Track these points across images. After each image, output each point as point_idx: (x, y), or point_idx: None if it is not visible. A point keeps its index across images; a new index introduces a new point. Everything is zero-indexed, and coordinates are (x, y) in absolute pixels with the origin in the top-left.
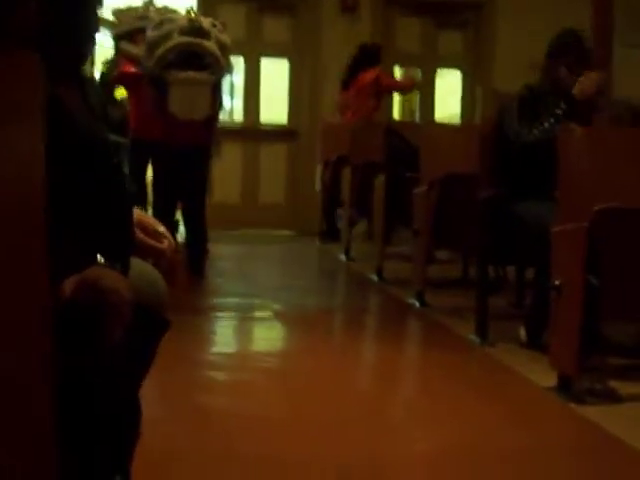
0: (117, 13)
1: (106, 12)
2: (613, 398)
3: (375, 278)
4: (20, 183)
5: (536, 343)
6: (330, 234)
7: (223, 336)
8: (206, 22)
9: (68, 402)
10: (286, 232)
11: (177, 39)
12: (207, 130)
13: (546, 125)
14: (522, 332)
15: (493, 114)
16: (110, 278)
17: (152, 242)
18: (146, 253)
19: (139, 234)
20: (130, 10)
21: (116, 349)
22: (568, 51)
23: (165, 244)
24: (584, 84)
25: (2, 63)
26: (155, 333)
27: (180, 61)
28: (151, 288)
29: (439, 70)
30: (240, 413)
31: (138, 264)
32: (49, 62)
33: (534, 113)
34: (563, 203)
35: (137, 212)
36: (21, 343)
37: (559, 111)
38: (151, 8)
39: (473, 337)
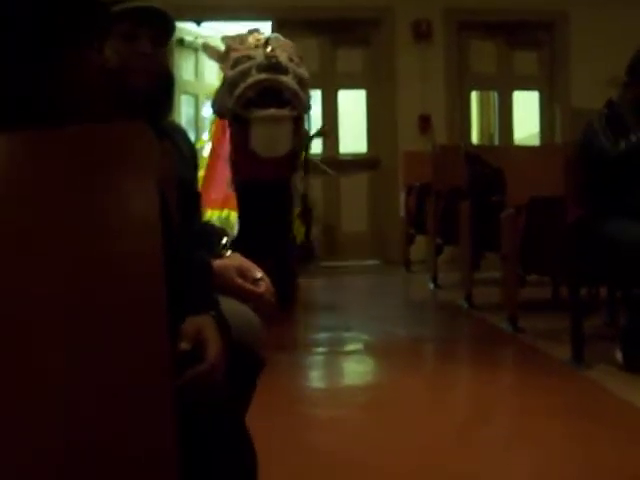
0: (227, 40)
1: (214, 40)
2: None
3: (465, 305)
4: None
5: (634, 364)
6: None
7: (316, 371)
8: (283, 57)
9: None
10: (371, 262)
11: (255, 76)
12: (290, 165)
13: (632, 138)
14: (618, 354)
15: (576, 134)
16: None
17: (250, 287)
18: (245, 297)
19: (238, 279)
20: (239, 38)
21: (218, 388)
22: None
23: (262, 288)
24: None
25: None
26: (253, 371)
27: (260, 98)
28: (249, 330)
29: (516, 91)
30: (338, 449)
31: (237, 307)
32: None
33: (619, 128)
34: None
35: (237, 257)
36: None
37: None
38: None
39: (569, 360)
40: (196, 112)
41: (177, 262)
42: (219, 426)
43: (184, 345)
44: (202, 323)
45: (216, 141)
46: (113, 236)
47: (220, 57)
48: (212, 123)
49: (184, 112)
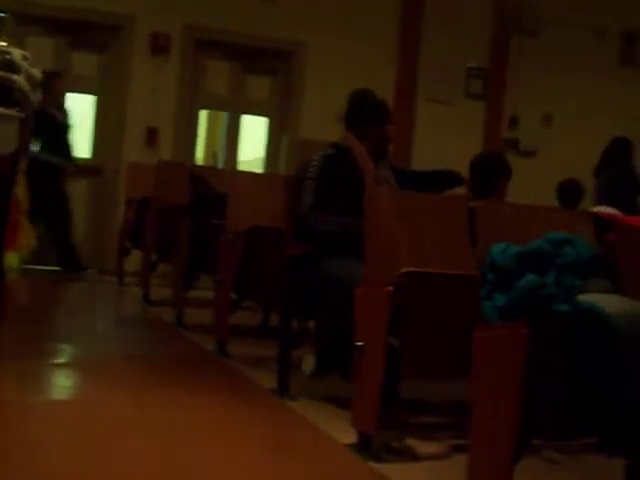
0: None
1: None
2: (411, 456)
3: (175, 324)
4: None
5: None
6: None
7: (17, 384)
8: (17, 54)
9: None
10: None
11: None
12: (11, 164)
13: (334, 223)
14: (309, 360)
15: (295, 169)
16: None
17: None
18: None
19: None
20: None
21: None
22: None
23: None
24: None
25: None
26: None
27: None
28: None
29: (245, 115)
30: (34, 465)
31: None
32: None
33: (333, 187)
34: (370, 264)
35: None
36: None
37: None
38: None
39: (275, 389)
40: None
41: None
42: None
43: None
44: None
45: None
46: None
47: None
48: None
49: None
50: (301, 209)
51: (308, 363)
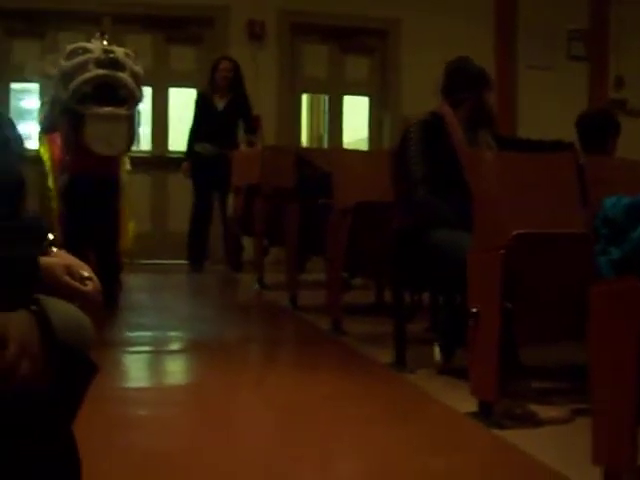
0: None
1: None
2: (533, 421)
3: (290, 306)
4: None
5: (450, 360)
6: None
7: (138, 371)
8: (120, 52)
9: None
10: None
11: (94, 71)
12: (120, 161)
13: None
14: (437, 351)
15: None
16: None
17: (77, 285)
18: (72, 296)
19: (65, 277)
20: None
21: (39, 393)
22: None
23: (90, 287)
24: None
25: None
26: (82, 377)
27: (97, 94)
28: (77, 331)
29: (346, 96)
30: (160, 450)
31: (64, 306)
32: None
33: (436, 150)
34: (478, 230)
35: (64, 255)
36: None
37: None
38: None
39: (392, 364)
40: None
41: None
42: (42, 431)
43: None
44: (6, 320)
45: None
46: None
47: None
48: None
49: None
50: (411, 179)
51: (436, 352)
